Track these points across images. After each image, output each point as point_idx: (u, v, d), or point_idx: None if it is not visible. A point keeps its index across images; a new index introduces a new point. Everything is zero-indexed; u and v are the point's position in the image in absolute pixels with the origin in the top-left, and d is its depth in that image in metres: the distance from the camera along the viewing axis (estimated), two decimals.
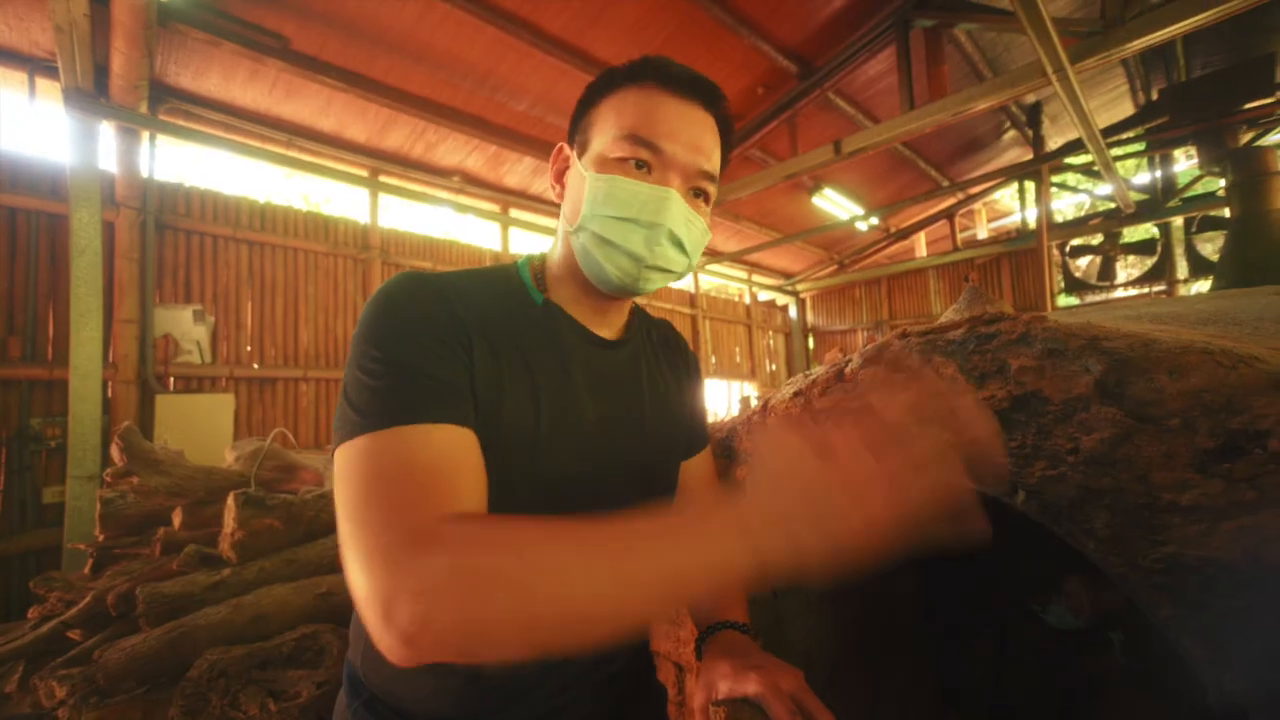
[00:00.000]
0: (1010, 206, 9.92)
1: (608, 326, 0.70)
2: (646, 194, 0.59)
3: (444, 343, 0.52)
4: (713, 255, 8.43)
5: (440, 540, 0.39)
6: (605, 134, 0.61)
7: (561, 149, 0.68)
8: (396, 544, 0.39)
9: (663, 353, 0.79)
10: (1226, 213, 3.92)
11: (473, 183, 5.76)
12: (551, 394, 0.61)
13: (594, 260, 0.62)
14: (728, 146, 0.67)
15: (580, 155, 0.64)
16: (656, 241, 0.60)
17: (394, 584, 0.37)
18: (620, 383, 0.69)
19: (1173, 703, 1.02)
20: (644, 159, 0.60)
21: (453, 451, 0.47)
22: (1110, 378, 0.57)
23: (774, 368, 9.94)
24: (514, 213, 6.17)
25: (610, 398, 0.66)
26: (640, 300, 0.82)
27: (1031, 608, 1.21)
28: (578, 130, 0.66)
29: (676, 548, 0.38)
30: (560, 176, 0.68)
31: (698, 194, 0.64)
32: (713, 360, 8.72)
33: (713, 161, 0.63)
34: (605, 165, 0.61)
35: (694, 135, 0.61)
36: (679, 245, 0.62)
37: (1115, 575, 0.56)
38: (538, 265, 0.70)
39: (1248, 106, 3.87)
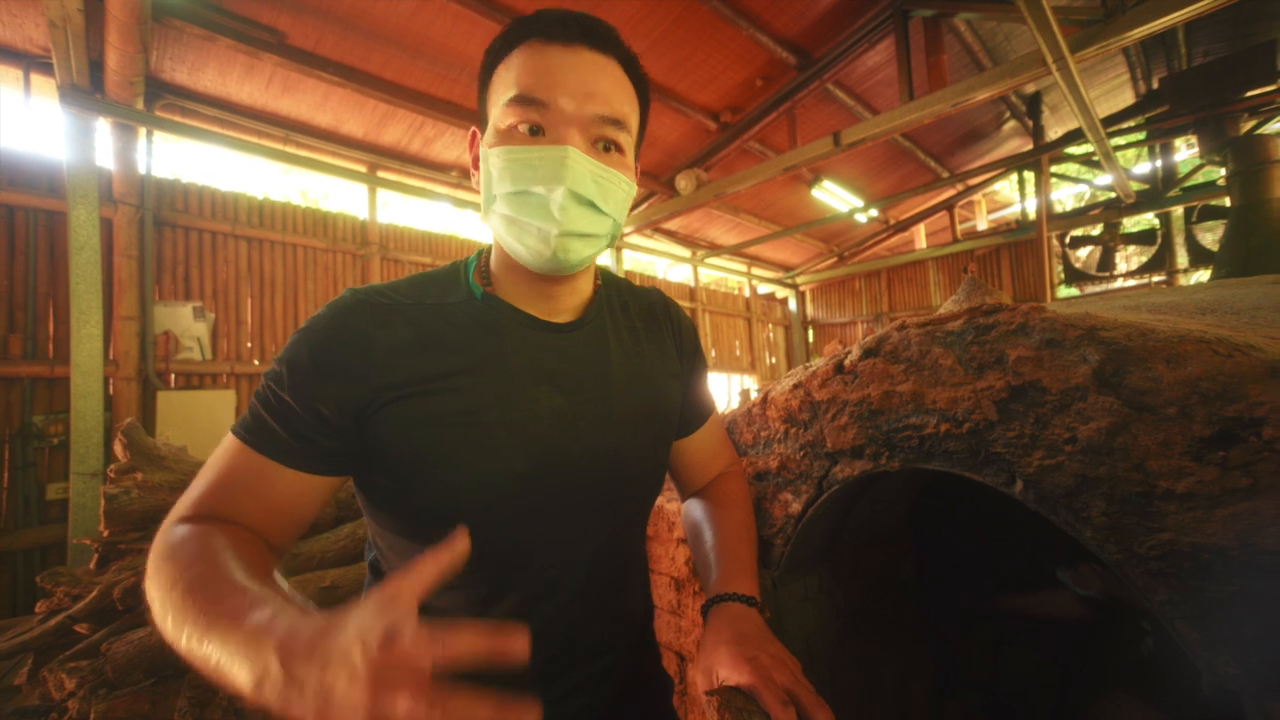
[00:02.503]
0: (1010, 198, 9.89)
1: (561, 309, 0.65)
2: (538, 158, 0.55)
3: (319, 413, 0.54)
4: (712, 248, 8.42)
5: (161, 534, 0.51)
6: (496, 106, 0.57)
7: (474, 135, 0.63)
8: (166, 519, 0.53)
9: (644, 325, 0.74)
10: (1227, 201, 3.92)
11: (471, 177, 5.73)
12: (490, 393, 0.58)
13: (509, 243, 0.59)
14: (641, 86, 0.61)
15: (484, 135, 0.60)
16: (561, 207, 0.55)
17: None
18: (580, 368, 0.64)
19: (1166, 699, 1.04)
20: (534, 121, 0.55)
21: (269, 481, 0.54)
22: (1108, 367, 0.58)
23: (774, 360, 9.94)
24: None
25: (568, 386, 0.62)
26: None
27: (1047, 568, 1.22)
28: (482, 112, 0.61)
29: (206, 631, 0.39)
30: (475, 164, 0.63)
31: (606, 146, 0.58)
32: (712, 353, 8.72)
33: (615, 106, 0.57)
34: (499, 138, 0.57)
35: (585, 82, 0.55)
36: (590, 205, 0.57)
37: (1112, 563, 0.57)
38: (485, 258, 0.67)
39: (1249, 94, 3.85)
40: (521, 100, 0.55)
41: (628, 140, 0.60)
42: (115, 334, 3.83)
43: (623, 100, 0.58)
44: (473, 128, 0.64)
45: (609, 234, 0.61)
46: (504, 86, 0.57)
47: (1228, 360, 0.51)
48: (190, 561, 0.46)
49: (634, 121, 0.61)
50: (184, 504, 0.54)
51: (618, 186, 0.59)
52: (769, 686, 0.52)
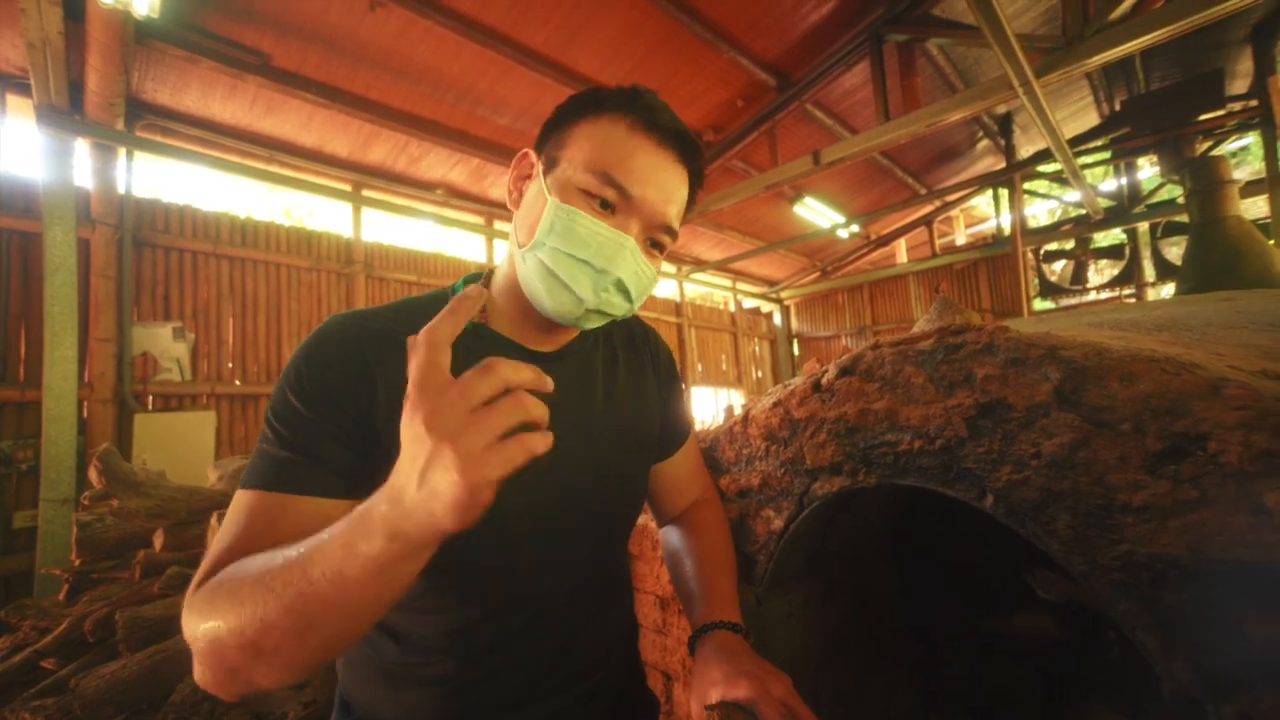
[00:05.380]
0: (987, 213, 10.18)
1: (549, 340, 0.68)
2: (604, 238, 0.58)
3: (332, 416, 0.54)
4: (697, 264, 8.51)
5: (190, 600, 0.46)
6: (576, 160, 0.59)
7: (527, 155, 0.65)
8: (187, 595, 0.47)
9: (624, 354, 0.77)
10: (1187, 218, 4.09)
11: (456, 196, 5.76)
12: None
13: (536, 288, 0.61)
14: (693, 200, 0.67)
15: (546, 171, 0.61)
16: (603, 288, 0.59)
17: (182, 623, 0.46)
18: (565, 395, 0.65)
19: (1135, 706, 1.06)
20: (610, 199, 0.58)
21: (285, 519, 0.51)
22: (1068, 385, 0.60)
23: (760, 375, 10.02)
24: (498, 225, 6.17)
25: (552, 410, 0.64)
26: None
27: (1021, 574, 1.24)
28: (548, 143, 0.62)
29: (322, 555, 0.40)
30: (520, 183, 0.65)
31: (654, 245, 0.63)
32: (699, 368, 8.76)
33: (675, 216, 0.62)
34: (569, 194, 0.58)
35: (665, 187, 0.60)
36: (625, 293, 0.61)
37: (1078, 574, 0.59)
38: (484, 283, 0.69)
39: (1201, 118, 4.05)
40: (607, 177, 0.58)
41: (670, 243, 0.65)
42: (91, 356, 3.75)
43: (681, 210, 0.64)
44: (525, 149, 0.65)
45: (623, 316, 0.66)
46: (591, 147, 0.59)
47: (1175, 378, 0.54)
48: (247, 566, 0.44)
49: (679, 226, 0.66)
50: (205, 568, 0.51)
51: (650, 281, 0.64)
52: (767, 700, 0.53)
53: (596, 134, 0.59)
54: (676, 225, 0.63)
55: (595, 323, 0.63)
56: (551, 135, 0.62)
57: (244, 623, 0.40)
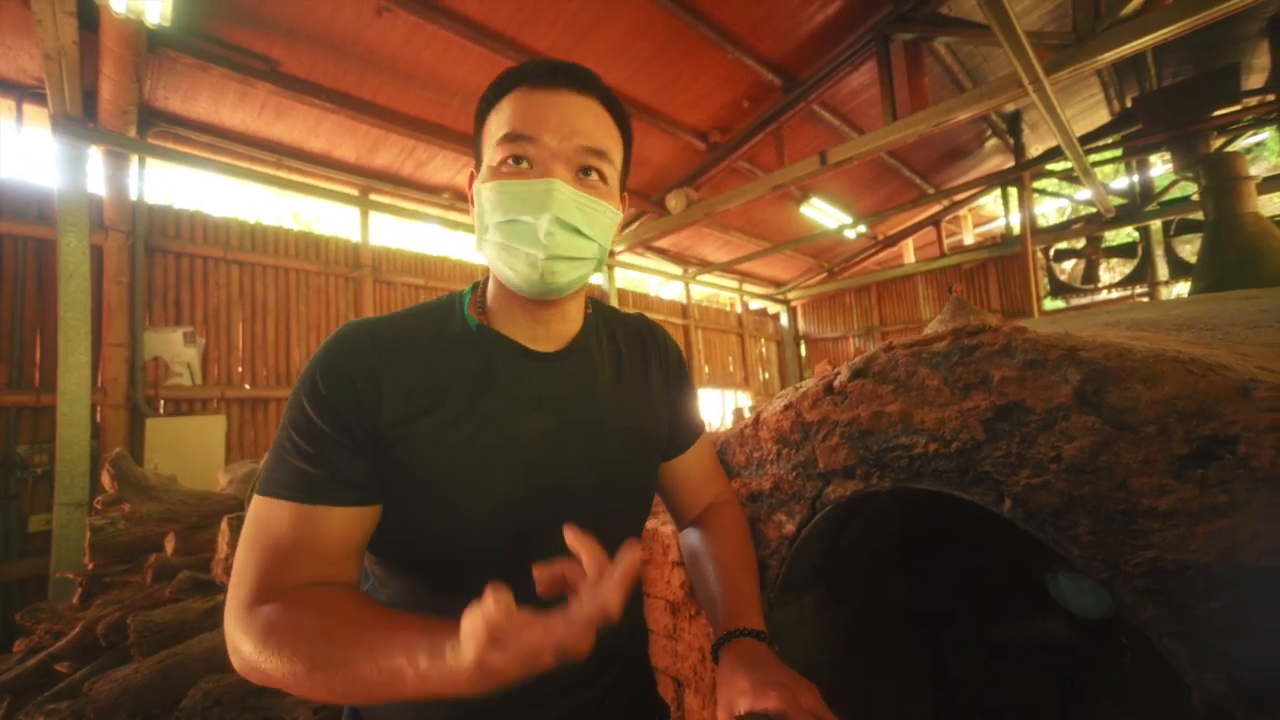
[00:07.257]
0: (995, 212, 10.09)
1: (551, 338, 0.68)
2: (526, 189, 0.59)
3: (347, 428, 0.57)
4: (703, 265, 8.50)
5: (246, 622, 0.51)
6: (489, 147, 0.62)
7: (472, 174, 0.68)
8: (234, 605, 0.53)
9: (629, 349, 0.76)
10: (1202, 216, 4.03)
11: (463, 199, 5.78)
12: (485, 420, 0.61)
13: (502, 270, 0.63)
14: (621, 121, 0.66)
15: (478, 172, 0.66)
16: (548, 233, 0.59)
17: (229, 633, 0.52)
18: (568, 394, 0.67)
19: (1148, 713, 1.04)
20: (520, 154, 0.60)
21: (315, 530, 0.55)
22: (1088, 387, 0.59)
23: (767, 376, 9.98)
24: None
25: (557, 412, 0.65)
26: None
27: (1057, 587, 1.21)
28: (476, 155, 0.67)
29: (378, 661, 0.45)
30: (474, 200, 0.68)
31: (587, 172, 0.62)
32: (705, 370, 8.74)
33: (596, 138, 0.62)
34: (490, 174, 0.62)
35: (567, 118, 0.60)
36: (576, 231, 0.61)
37: (1101, 581, 0.57)
38: (480, 290, 0.70)
39: (1216, 114, 4.00)
40: (510, 138, 0.60)
41: (610, 170, 0.64)
42: (104, 361, 3.80)
43: (604, 134, 0.63)
44: (470, 169, 0.69)
45: (595, 258, 0.65)
46: (495, 128, 0.62)
47: (1201, 380, 0.53)
48: (313, 622, 0.49)
49: (616, 153, 0.65)
50: (242, 591, 0.53)
51: (601, 213, 0.63)
52: (798, 710, 0.53)
53: (495, 117, 0.63)
54: (604, 145, 0.62)
55: (567, 273, 0.62)
56: (475, 146, 0.67)
57: (293, 674, 0.47)
